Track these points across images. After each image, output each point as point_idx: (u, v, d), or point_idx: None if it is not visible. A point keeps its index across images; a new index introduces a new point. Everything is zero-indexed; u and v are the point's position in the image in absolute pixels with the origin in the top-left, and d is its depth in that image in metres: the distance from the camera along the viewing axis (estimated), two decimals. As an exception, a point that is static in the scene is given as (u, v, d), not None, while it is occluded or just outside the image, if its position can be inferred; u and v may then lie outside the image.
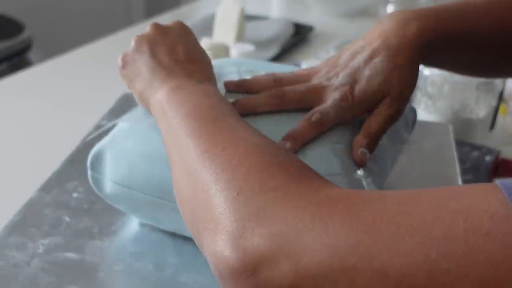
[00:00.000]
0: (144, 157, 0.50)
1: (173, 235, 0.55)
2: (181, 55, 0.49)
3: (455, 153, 0.71)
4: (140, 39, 0.50)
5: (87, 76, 1.14)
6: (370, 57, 0.50)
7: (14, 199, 0.60)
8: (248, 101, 0.50)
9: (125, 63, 0.51)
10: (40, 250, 0.53)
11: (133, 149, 0.51)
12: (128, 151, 0.51)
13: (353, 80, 0.49)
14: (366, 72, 0.49)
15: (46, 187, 0.62)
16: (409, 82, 0.50)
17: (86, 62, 1.22)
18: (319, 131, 0.48)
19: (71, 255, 0.53)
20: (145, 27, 0.52)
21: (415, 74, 0.50)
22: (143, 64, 0.49)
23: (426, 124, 0.78)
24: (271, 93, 0.50)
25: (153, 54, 0.49)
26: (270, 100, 0.50)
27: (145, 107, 0.51)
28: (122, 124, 0.54)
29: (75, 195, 0.61)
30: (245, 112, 0.49)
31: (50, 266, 0.51)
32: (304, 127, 0.47)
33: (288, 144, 0.46)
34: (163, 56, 0.49)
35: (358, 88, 0.49)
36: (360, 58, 0.50)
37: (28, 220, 0.57)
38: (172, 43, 0.50)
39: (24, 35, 1.83)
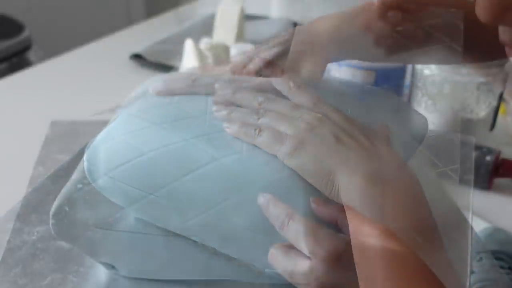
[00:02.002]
0: (135, 151, 0.51)
1: (166, 231, 0.55)
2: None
3: (472, 166, 0.70)
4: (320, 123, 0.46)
5: (87, 76, 1.14)
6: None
7: (11, 198, 0.60)
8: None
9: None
10: (34, 236, 0.55)
11: (125, 143, 0.51)
12: (121, 145, 0.52)
13: None
14: None
15: (54, 176, 0.64)
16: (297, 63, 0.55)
17: (86, 62, 1.22)
18: None
19: (62, 243, 0.54)
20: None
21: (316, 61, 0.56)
22: (322, 143, 0.44)
23: (446, 135, 0.77)
24: None
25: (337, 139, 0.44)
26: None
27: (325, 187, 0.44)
28: (121, 117, 0.54)
29: (79, 186, 0.61)
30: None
31: (40, 252, 0.53)
32: None
33: None
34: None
35: None
36: None
37: (30, 207, 0.59)
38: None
39: (24, 35, 1.84)
